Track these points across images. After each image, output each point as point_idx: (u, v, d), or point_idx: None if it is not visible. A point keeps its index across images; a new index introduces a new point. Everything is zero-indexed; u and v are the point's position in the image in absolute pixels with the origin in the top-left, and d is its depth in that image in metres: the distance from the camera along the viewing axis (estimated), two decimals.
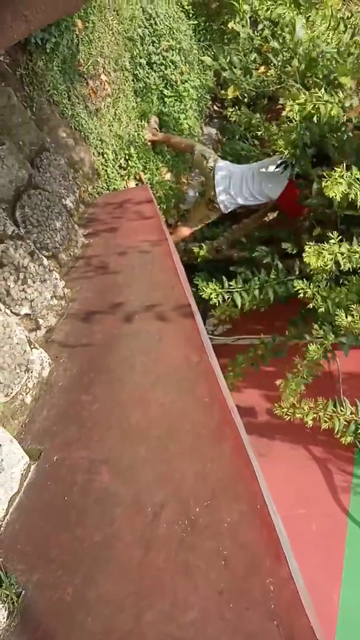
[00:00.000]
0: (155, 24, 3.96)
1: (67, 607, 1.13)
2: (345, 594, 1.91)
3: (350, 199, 2.30)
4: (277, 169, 2.98)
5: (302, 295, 2.34)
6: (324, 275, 2.34)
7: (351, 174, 2.18)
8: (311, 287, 2.32)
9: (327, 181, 2.16)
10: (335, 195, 2.14)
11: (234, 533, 1.04)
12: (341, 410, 2.30)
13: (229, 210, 3.35)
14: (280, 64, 3.97)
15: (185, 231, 3.60)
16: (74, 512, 1.34)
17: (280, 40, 4.48)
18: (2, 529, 1.39)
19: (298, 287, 2.31)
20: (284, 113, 2.57)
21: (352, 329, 2.30)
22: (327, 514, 2.19)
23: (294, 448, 2.48)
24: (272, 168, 3.09)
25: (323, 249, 2.18)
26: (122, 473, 1.37)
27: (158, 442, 1.41)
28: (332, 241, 2.23)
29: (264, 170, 3.16)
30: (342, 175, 2.14)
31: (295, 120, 3.23)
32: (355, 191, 2.14)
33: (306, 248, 2.21)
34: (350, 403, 2.34)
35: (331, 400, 2.34)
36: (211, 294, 2.61)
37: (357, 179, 2.14)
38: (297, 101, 2.46)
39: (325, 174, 2.18)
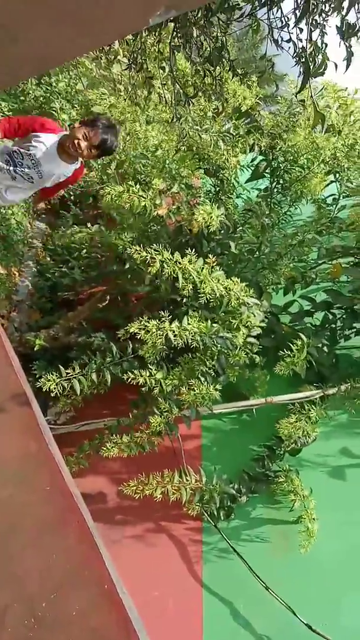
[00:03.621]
0: None
1: None
2: None
3: (172, 281, 2.56)
4: None
5: (136, 381, 2.44)
6: (155, 355, 2.51)
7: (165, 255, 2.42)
8: (143, 373, 2.45)
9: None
10: (157, 274, 2.36)
11: (83, 620, 1.01)
12: (186, 480, 2.41)
13: None
14: (100, 167, 4.39)
15: None
16: None
17: None
18: None
19: (130, 378, 2.43)
20: (103, 200, 2.79)
21: (194, 402, 2.49)
22: (183, 589, 2.19)
23: (145, 529, 2.47)
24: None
25: (154, 325, 2.35)
26: None
27: None
28: (163, 319, 2.43)
29: None
30: (157, 256, 2.37)
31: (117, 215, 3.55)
32: (173, 269, 2.39)
33: (135, 324, 2.35)
34: (193, 471, 2.47)
35: (177, 471, 2.44)
36: (50, 384, 2.58)
37: (169, 259, 2.38)
38: (115, 190, 2.71)
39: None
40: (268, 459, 2.58)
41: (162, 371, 2.54)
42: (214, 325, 2.52)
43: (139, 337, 2.40)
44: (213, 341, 2.52)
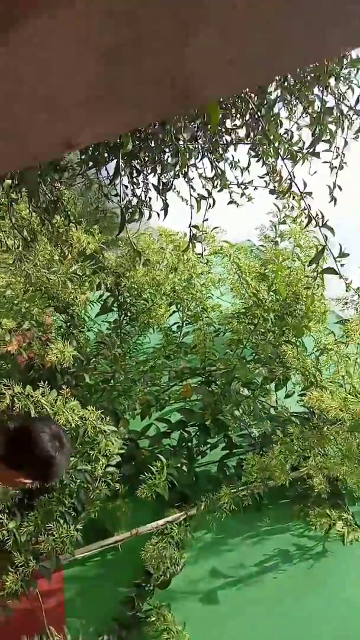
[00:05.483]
0: None
1: None
2: None
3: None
4: None
5: None
6: (6, 502, 2.33)
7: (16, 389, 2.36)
8: None
9: None
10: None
11: None
12: None
13: None
14: None
15: None
16: None
17: None
18: None
19: None
20: None
21: (54, 550, 2.29)
22: None
23: None
24: None
25: None
26: None
27: None
28: None
29: None
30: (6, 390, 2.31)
31: None
32: (25, 402, 2.33)
33: None
34: (56, 632, 2.20)
35: (37, 636, 2.15)
36: None
37: (20, 392, 2.33)
38: None
39: None
40: (138, 599, 2.41)
41: (16, 519, 2.35)
42: (71, 459, 2.46)
43: None
44: (71, 477, 2.45)
